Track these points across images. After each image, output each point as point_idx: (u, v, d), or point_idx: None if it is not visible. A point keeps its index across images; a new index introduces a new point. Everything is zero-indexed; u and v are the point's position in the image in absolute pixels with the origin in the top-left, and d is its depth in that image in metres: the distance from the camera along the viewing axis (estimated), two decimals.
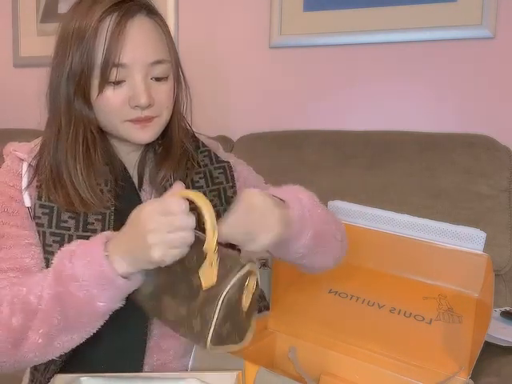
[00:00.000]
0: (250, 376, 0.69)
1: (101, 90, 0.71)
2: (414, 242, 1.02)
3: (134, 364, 0.77)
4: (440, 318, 0.91)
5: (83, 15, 0.70)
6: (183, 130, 0.84)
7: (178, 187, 0.65)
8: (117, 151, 0.81)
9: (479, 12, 1.32)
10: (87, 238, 0.68)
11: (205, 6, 1.64)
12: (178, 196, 0.61)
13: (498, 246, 1.14)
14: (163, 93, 0.75)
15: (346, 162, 1.30)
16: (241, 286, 0.60)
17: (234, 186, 0.87)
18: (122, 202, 0.76)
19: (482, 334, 0.79)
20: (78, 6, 0.72)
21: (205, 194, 0.84)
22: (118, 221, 0.72)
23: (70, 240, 0.73)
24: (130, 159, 0.83)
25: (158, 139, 0.80)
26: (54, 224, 0.74)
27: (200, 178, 0.85)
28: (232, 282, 0.59)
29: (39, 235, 0.74)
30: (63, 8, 1.82)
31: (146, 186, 0.82)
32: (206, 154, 0.88)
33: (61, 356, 0.71)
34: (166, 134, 0.81)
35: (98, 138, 0.76)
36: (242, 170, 0.92)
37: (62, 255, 0.67)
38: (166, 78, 0.75)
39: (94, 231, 0.74)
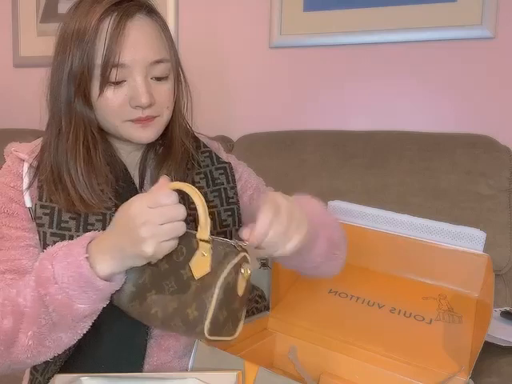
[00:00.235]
0: (250, 376, 0.69)
1: (101, 90, 0.71)
2: (414, 241, 1.02)
3: (134, 364, 0.77)
4: (440, 318, 0.91)
5: (83, 15, 0.70)
6: (184, 130, 0.84)
7: (164, 181, 0.65)
8: (118, 151, 0.81)
9: (479, 12, 1.32)
10: None
11: (205, 5, 1.64)
12: (166, 188, 0.61)
13: (498, 246, 1.14)
14: (164, 92, 0.75)
15: (346, 162, 1.30)
16: (236, 272, 0.61)
17: (234, 187, 0.87)
18: (122, 202, 0.76)
19: (481, 334, 0.79)
20: (79, 6, 0.72)
21: (205, 194, 0.84)
22: None
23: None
24: (131, 159, 0.83)
25: (158, 139, 0.80)
26: (54, 224, 0.74)
27: (201, 178, 0.85)
28: (229, 267, 0.60)
29: (40, 236, 0.74)
30: (63, 8, 1.82)
31: (147, 186, 0.82)
32: (207, 154, 0.88)
33: (60, 356, 0.71)
34: (166, 133, 0.81)
35: (98, 139, 0.75)
36: (243, 171, 0.92)
37: (44, 256, 0.66)
38: (167, 77, 0.75)
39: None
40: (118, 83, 0.71)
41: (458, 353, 0.83)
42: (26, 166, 0.77)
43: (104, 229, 0.74)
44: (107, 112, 0.73)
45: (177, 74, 0.79)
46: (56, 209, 0.74)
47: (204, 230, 0.61)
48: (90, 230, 0.74)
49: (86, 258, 0.63)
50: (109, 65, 0.69)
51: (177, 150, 0.81)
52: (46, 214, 0.74)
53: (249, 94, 1.61)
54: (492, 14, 1.31)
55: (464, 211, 1.17)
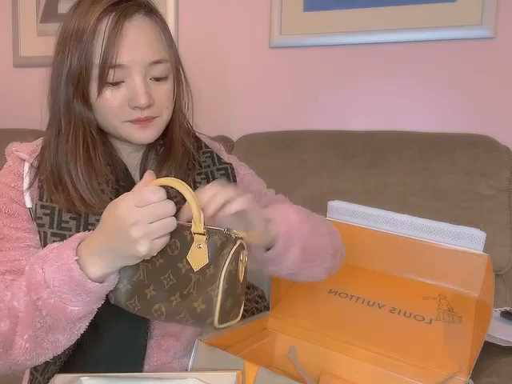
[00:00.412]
0: (250, 376, 0.69)
1: (100, 91, 0.71)
2: (414, 241, 1.02)
3: (135, 364, 0.77)
4: (440, 318, 0.91)
5: (82, 15, 0.70)
6: (185, 130, 0.84)
7: (149, 177, 0.64)
8: (118, 152, 0.81)
9: (479, 12, 1.32)
10: None
11: (205, 5, 1.64)
12: (152, 184, 0.61)
13: (498, 246, 1.14)
14: (163, 93, 0.75)
15: (346, 162, 1.30)
16: (236, 260, 0.62)
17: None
18: None
19: (481, 333, 0.79)
20: (78, 6, 0.72)
21: None
22: None
23: None
24: (132, 159, 0.83)
25: (159, 139, 0.80)
26: (55, 225, 0.74)
27: (202, 178, 0.85)
28: (230, 257, 0.61)
29: (40, 236, 0.74)
30: (63, 8, 1.82)
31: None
32: (209, 155, 0.88)
33: (60, 356, 0.71)
34: (167, 133, 0.81)
35: (98, 139, 0.75)
36: (244, 173, 0.92)
37: (34, 260, 0.65)
38: (166, 77, 0.75)
39: None
40: (116, 84, 0.71)
41: (457, 353, 0.83)
42: (26, 165, 0.77)
43: None
44: (106, 112, 0.73)
45: (177, 74, 0.78)
46: (56, 209, 0.74)
47: (198, 223, 0.61)
48: (90, 230, 0.74)
49: (76, 260, 0.62)
50: (107, 65, 0.69)
51: (177, 151, 0.81)
52: (46, 215, 0.74)
53: (249, 94, 1.61)
54: (492, 14, 1.32)
55: (464, 211, 1.17)
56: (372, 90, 1.47)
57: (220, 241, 0.61)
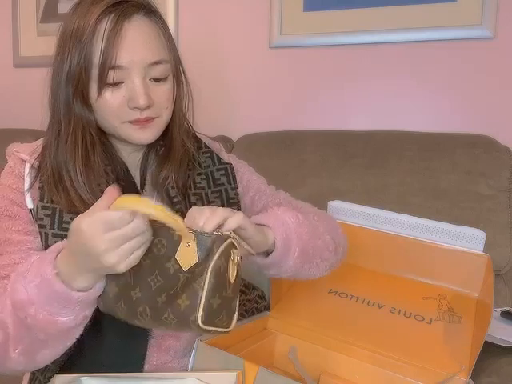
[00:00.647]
0: (250, 376, 0.69)
1: (99, 92, 0.71)
2: (414, 241, 1.02)
3: (135, 364, 0.77)
4: (440, 318, 0.91)
5: (82, 16, 0.70)
6: (185, 130, 0.84)
7: (111, 195, 0.60)
8: (119, 152, 0.81)
9: (479, 12, 1.32)
10: None
11: (205, 5, 1.64)
12: (116, 207, 0.58)
13: (498, 246, 1.14)
14: (162, 93, 0.75)
15: (346, 162, 1.30)
16: (226, 258, 0.60)
17: (235, 188, 0.87)
18: None
19: (481, 333, 0.79)
20: (78, 6, 0.72)
21: (207, 195, 0.84)
22: None
23: None
24: (132, 160, 0.83)
25: (159, 140, 0.80)
26: (56, 225, 0.74)
27: (202, 179, 0.85)
28: (219, 252, 0.59)
29: (41, 237, 0.74)
30: (63, 8, 1.82)
31: (147, 186, 0.82)
32: (209, 155, 0.88)
33: (61, 356, 0.71)
34: (167, 134, 0.81)
35: (97, 140, 0.75)
36: (244, 172, 0.92)
37: (15, 279, 0.65)
38: (165, 78, 0.75)
39: None
40: (115, 84, 0.71)
41: (458, 353, 0.83)
42: (27, 166, 0.77)
43: None
44: (106, 113, 0.73)
45: (177, 75, 0.78)
46: (57, 209, 0.74)
47: (178, 224, 0.58)
48: None
49: (56, 274, 0.61)
50: (106, 66, 0.69)
51: (177, 151, 0.81)
52: (47, 215, 0.74)
53: (249, 94, 1.61)
54: (492, 14, 1.31)
55: (464, 211, 1.17)
56: (372, 90, 1.47)
57: (210, 238, 0.60)
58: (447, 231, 1.01)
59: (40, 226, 0.74)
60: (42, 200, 0.74)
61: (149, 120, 0.74)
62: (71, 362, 0.75)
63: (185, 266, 0.60)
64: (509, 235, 1.15)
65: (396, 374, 0.82)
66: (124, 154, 0.82)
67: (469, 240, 0.98)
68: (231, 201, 0.86)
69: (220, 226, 0.62)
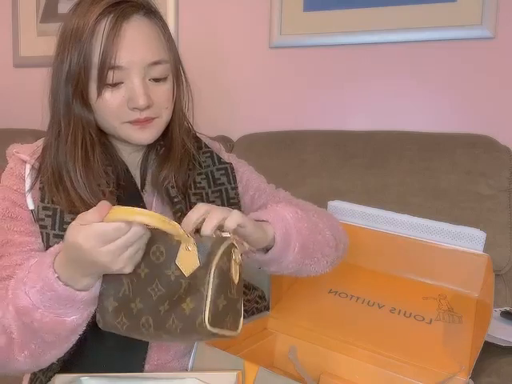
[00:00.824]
0: (250, 376, 0.69)
1: (99, 92, 0.71)
2: (414, 241, 1.02)
3: (135, 364, 0.77)
4: (440, 318, 0.91)
5: (81, 16, 0.70)
6: (185, 130, 0.84)
7: (105, 209, 0.57)
8: (119, 152, 0.81)
9: (479, 12, 1.32)
10: None
11: (205, 5, 1.64)
12: (110, 219, 0.56)
13: (498, 246, 1.14)
14: (162, 94, 0.75)
15: (346, 162, 1.30)
16: (228, 258, 0.59)
17: (235, 188, 0.87)
18: (124, 203, 0.76)
19: (482, 333, 0.79)
20: (78, 6, 0.72)
21: (207, 194, 0.84)
22: None
23: None
24: (133, 160, 0.83)
25: (159, 140, 0.80)
26: (57, 226, 0.74)
27: (202, 179, 0.85)
28: (220, 253, 0.58)
29: (43, 237, 0.74)
30: (63, 8, 1.82)
31: (148, 187, 0.82)
32: (209, 155, 0.88)
33: (62, 355, 0.71)
34: (167, 134, 0.81)
35: (96, 140, 0.75)
36: (244, 171, 0.92)
37: (15, 286, 0.64)
38: (165, 78, 0.75)
39: None
40: (115, 85, 0.71)
41: (458, 353, 0.83)
42: (27, 167, 0.77)
43: None
44: (106, 113, 0.73)
45: (177, 75, 0.78)
46: (58, 210, 0.74)
47: (176, 230, 0.57)
48: None
49: (57, 277, 0.61)
50: (105, 66, 0.69)
51: (177, 151, 0.81)
52: (48, 216, 0.74)
53: (249, 94, 1.61)
54: (492, 14, 1.31)
55: (464, 211, 1.17)
56: (372, 90, 1.47)
57: (209, 241, 0.59)
58: (447, 231, 1.01)
59: (41, 227, 0.74)
60: (42, 201, 0.75)
61: (148, 120, 0.74)
62: (71, 361, 0.75)
63: (186, 272, 0.59)
64: (509, 235, 1.15)
65: (396, 373, 0.82)
66: (124, 154, 0.82)
67: (469, 240, 0.98)
68: (231, 200, 0.86)
69: (219, 227, 0.62)
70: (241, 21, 1.60)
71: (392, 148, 1.28)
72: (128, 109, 0.72)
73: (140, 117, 0.73)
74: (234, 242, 0.61)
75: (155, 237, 0.61)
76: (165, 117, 0.77)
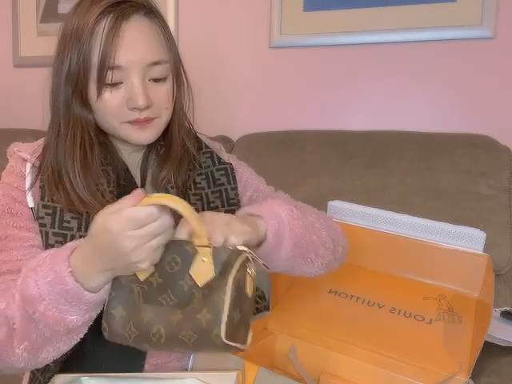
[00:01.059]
0: (250, 376, 0.69)
1: (98, 92, 0.71)
2: (414, 242, 1.02)
3: (135, 364, 0.77)
4: (440, 318, 0.91)
5: (81, 16, 0.70)
6: (185, 130, 0.84)
7: (139, 195, 0.58)
8: (119, 152, 0.81)
9: (479, 12, 1.32)
10: None
11: (205, 5, 1.64)
12: (144, 204, 0.57)
13: (498, 246, 1.14)
14: (162, 94, 0.75)
15: (346, 162, 1.30)
16: (244, 269, 0.59)
17: (235, 188, 0.87)
18: None
19: (482, 333, 0.79)
20: (78, 6, 0.72)
21: (207, 195, 0.84)
22: None
23: (72, 240, 0.73)
24: (133, 159, 0.83)
25: (160, 140, 0.80)
26: (56, 224, 0.74)
27: (202, 179, 0.85)
28: (237, 265, 0.58)
29: (42, 235, 0.74)
30: (63, 8, 1.82)
31: (148, 186, 0.82)
32: (209, 155, 0.88)
33: (61, 356, 0.71)
34: (167, 134, 0.81)
35: (95, 140, 0.75)
36: (243, 171, 0.92)
37: (26, 273, 0.64)
38: (165, 78, 0.75)
39: None
40: (114, 85, 0.71)
41: (458, 353, 0.83)
42: (28, 165, 0.77)
43: None
44: (105, 114, 0.73)
45: (177, 75, 0.78)
46: (58, 208, 0.74)
47: (201, 237, 0.58)
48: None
49: (70, 272, 0.61)
50: (105, 66, 0.69)
51: (177, 151, 0.81)
52: (48, 214, 0.74)
53: (249, 94, 1.61)
54: (492, 14, 1.31)
55: (464, 211, 1.17)
56: (372, 90, 1.47)
57: (225, 253, 0.59)
58: (447, 231, 1.01)
59: (41, 225, 0.74)
60: (42, 199, 0.75)
61: (148, 120, 0.74)
62: (71, 361, 0.75)
63: (200, 282, 0.59)
64: (509, 235, 1.15)
65: (396, 373, 0.82)
66: (124, 154, 0.82)
67: (469, 240, 0.98)
68: (231, 201, 0.86)
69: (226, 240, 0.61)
70: (241, 21, 1.60)
71: (392, 148, 1.28)
72: (127, 109, 0.72)
73: (139, 117, 0.73)
74: (249, 256, 0.61)
75: (171, 246, 0.61)
76: (164, 117, 0.77)
